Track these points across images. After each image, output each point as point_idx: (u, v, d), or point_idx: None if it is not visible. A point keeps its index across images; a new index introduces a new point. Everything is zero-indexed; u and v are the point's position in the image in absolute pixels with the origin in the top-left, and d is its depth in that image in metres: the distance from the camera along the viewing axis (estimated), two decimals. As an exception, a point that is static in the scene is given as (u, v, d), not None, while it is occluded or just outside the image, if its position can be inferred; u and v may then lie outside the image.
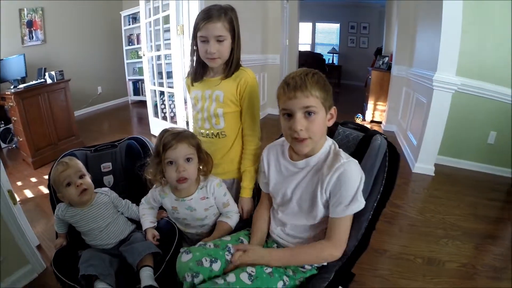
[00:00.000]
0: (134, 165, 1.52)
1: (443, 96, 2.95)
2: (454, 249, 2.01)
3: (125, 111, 6.12)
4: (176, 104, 3.57)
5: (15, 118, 3.41)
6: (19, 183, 3.06)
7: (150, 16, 3.75)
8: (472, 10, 2.84)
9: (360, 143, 1.19)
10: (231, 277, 0.99)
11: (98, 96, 6.07)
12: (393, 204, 2.62)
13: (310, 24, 10.35)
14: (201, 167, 1.31)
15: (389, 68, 4.90)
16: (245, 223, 1.40)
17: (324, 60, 8.81)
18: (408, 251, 1.99)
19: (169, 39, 3.45)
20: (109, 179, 1.59)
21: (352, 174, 1.01)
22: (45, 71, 3.95)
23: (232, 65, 1.36)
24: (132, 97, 6.56)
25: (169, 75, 3.72)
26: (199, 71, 1.41)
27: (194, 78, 1.43)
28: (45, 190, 2.93)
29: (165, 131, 1.25)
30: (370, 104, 5.27)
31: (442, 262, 1.89)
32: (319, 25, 10.41)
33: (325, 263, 1.13)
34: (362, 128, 1.26)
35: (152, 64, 4.00)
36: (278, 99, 1.06)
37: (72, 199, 1.32)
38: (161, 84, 3.95)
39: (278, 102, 1.06)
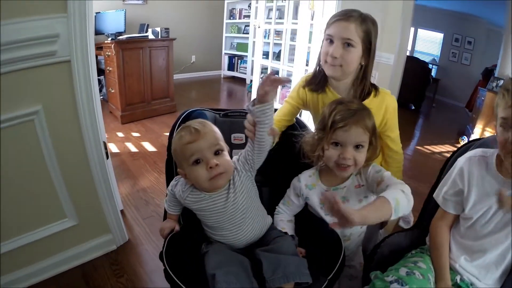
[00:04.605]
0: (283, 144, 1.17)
1: None
2: None
3: (216, 84, 5.95)
4: (292, 85, 3.13)
5: (110, 68, 3.30)
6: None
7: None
8: None
9: None
10: None
11: (191, 64, 6.03)
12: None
13: (411, 29, 9.41)
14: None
15: (504, 92, 4.33)
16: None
17: (430, 70, 7.86)
18: None
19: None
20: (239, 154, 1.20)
21: None
22: (147, 27, 3.85)
23: (362, 88, 1.18)
24: (225, 72, 6.33)
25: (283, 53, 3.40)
26: (321, 82, 1.21)
27: (314, 87, 1.23)
28: (133, 148, 2.73)
29: (338, 103, 1.03)
30: (478, 128, 4.52)
31: None
32: (421, 32, 9.41)
33: None
34: None
35: (266, 42, 3.63)
36: (497, 105, 0.94)
37: (200, 183, 0.92)
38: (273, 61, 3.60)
39: (496, 109, 0.95)
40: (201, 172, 0.89)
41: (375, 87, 1.20)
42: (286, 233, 1.02)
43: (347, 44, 1.08)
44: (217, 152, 0.90)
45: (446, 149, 3.82)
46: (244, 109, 1.26)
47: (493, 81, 4.77)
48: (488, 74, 5.55)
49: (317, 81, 1.21)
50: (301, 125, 1.26)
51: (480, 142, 1.14)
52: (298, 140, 1.11)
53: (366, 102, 1.16)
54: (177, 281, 0.81)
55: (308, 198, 1.11)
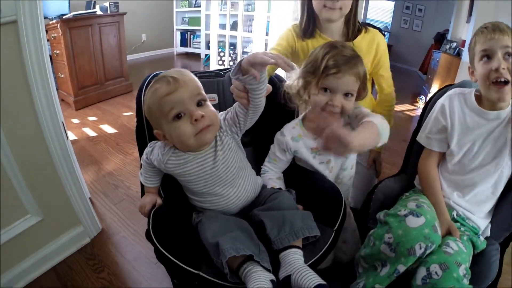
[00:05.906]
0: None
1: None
2: None
3: (170, 61, 5.70)
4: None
5: (57, 51, 3.00)
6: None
7: None
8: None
9: None
10: (453, 245, 0.89)
11: (142, 44, 5.69)
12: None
13: (363, -1, 9.55)
14: None
15: (457, 54, 4.74)
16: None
17: (384, 35, 8.08)
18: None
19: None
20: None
21: None
22: (94, 4, 3.53)
23: (354, 26, 1.24)
24: (178, 48, 6.12)
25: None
26: (310, 27, 1.25)
27: (305, 34, 1.25)
28: (91, 133, 2.54)
29: (332, 47, 0.97)
30: (434, 88, 4.75)
31: None
32: (372, 2, 9.55)
33: (489, 234, 1.04)
34: None
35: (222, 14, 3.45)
36: (475, 43, 0.99)
37: (184, 141, 0.80)
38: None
39: (474, 48, 1.00)
40: (184, 127, 0.78)
41: (363, 25, 1.26)
42: (280, 188, 0.97)
43: None
44: (200, 103, 0.81)
45: (406, 108, 3.94)
46: (212, 70, 1.21)
47: (446, 43, 5.12)
48: (441, 38, 5.80)
49: (308, 28, 1.24)
50: (280, 79, 1.20)
51: (455, 86, 1.18)
52: (282, 84, 1.07)
53: (359, 39, 1.23)
54: (173, 259, 0.73)
55: (297, 152, 1.06)
